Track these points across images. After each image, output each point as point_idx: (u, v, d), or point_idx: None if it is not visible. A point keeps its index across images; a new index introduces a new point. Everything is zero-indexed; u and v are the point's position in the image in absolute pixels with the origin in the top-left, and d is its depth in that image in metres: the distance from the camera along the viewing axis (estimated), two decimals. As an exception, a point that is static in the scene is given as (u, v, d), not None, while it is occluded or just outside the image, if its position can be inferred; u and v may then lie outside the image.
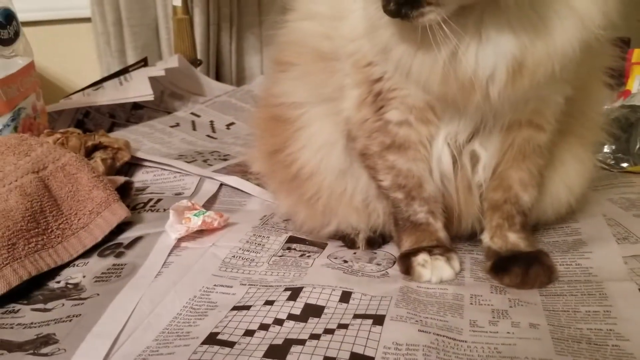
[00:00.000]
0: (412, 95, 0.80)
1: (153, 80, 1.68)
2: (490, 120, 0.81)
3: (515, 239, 0.87)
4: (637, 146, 1.29)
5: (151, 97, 1.63)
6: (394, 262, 0.91)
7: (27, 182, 0.94)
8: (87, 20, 2.02)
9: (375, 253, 0.95)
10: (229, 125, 1.67)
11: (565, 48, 0.69)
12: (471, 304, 0.78)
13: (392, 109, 0.83)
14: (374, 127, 0.85)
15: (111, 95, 1.64)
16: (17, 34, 1.24)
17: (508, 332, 0.71)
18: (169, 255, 0.92)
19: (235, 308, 0.78)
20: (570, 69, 0.72)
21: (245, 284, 0.85)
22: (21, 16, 1.29)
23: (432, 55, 0.71)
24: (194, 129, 1.62)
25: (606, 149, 1.30)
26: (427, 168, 0.85)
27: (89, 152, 1.25)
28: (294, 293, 0.80)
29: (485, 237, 0.89)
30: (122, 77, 1.71)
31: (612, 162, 1.29)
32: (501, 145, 0.84)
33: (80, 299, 0.81)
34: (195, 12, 1.99)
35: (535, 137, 0.84)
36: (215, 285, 0.85)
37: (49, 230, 0.93)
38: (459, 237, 0.94)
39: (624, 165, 1.28)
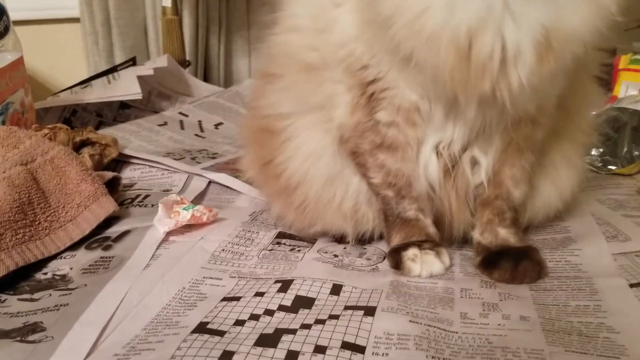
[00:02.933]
0: (400, 95, 0.80)
1: (141, 80, 1.67)
2: (494, 122, 0.80)
3: (505, 234, 0.87)
4: (625, 149, 1.30)
5: (139, 96, 1.62)
6: (384, 258, 0.91)
7: (15, 174, 0.93)
8: (75, 20, 2.01)
9: (365, 248, 0.95)
10: (217, 125, 1.66)
11: (582, 31, 0.67)
12: (461, 297, 0.78)
13: (381, 109, 0.82)
14: (366, 127, 0.84)
15: (99, 93, 1.63)
16: (7, 29, 1.23)
17: (499, 324, 0.71)
18: (157, 248, 0.92)
19: (225, 299, 0.77)
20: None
21: (234, 277, 0.84)
22: (9, 15, 1.28)
23: (452, 26, 0.67)
24: (182, 128, 1.62)
25: (594, 152, 1.31)
26: (416, 169, 0.85)
27: (77, 148, 1.24)
28: (285, 285, 0.80)
29: (476, 233, 0.89)
30: (110, 76, 1.71)
31: (600, 164, 1.30)
32: (501, 146, 0.84)
33: (68, 289, 0.80)
34: (184, 13, 1.99)
35: (533, 134, 0.84)
36: (204, 277, 0.84)
37: (36, 222, 0.92)
38: (450, 242, 0.93)
39: (612, 167, 1.29)
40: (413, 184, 0.86)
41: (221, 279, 0.83)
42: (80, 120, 1.64)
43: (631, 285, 0.78)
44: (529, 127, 0.83)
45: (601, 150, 1.30)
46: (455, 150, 0.83)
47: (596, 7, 0.67)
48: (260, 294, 0.77)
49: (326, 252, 0.93)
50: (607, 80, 1.48)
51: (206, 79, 2.10)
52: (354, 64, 0.82)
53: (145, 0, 2.01)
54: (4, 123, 1.20)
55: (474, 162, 0.86)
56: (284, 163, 0.93)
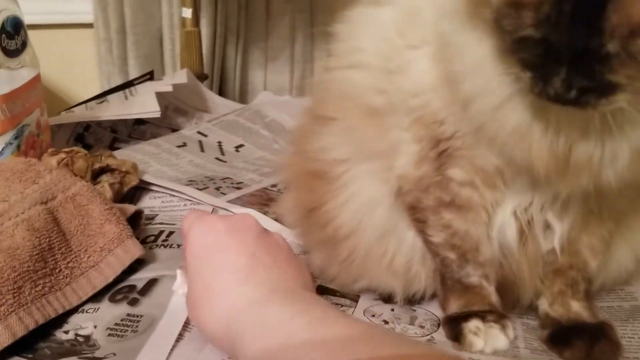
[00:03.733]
0: (482, 157, 0.72)
1: (158, 95, 1.58)
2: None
3: (578, 308, 0.79)
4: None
5: (158, 114, 1.53)
6: (438, 324, 0.83)
7: (35, 215, 0.84)
8: (88, 25, 1.91)
9: (415, 310, 0.87)
10: (237, 148, 1.57)
11: None
12: (534, 383, 0.71)
13: (456, 166, 0.74)
14: (432, 182, 0.76)
15: (115, 110, 1.54)
16: (24, 45, 1.14)
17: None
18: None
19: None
20: None
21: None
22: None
23: (552, 137, 0.62)
24: (202, 150, 1.53)
25: None
26: (486, 232, 0.77)
27: (96, 175, 1.15)
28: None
29: (544, 304, 0.81)
30: (127, 91, 1.61)
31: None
32: (580, 213, 0.76)
33: (95, 359, 0.72)
34: (202, 23, 1.90)
35: (616, 201, 0.76)
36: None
37: (57, 270, 0.83)
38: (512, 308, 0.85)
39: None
40: (481, 249, 0.78)
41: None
42: (93, 136, 1.55)
43: None
44: (613, 197, 0.75)
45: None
46: (534, 214, 0.75)
47: None
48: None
49: (374, 316, 0.84)
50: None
51: (221, 92, 2.01)
52: (428, 116, 0.73)
53: (162, 9, 1.92)
54: (19, 148, 1.11)
55: (547, 226, 0.77)
56: (333, 211, 0.84)
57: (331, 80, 0.84)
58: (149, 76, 1.73)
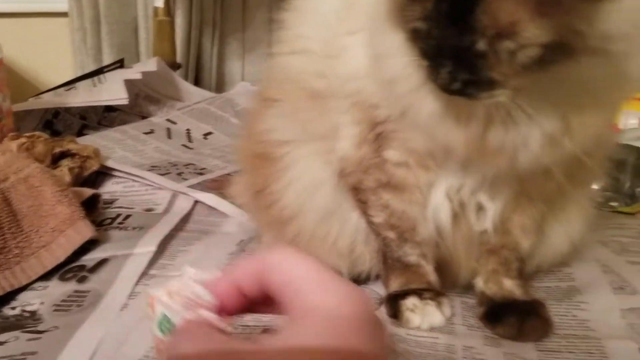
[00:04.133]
0: (414, 139, 0.74)
1: (128, 83, 1.60)
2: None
3: (510, 286, 0.81)
4: (627, 185, 1.25)
5: (126, 101, 1.55)
6: (381, 303, 0.85)
7: (-15, 195, 0.86)
8: (63, 14, 1.93)
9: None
10: (206, 135, 1.59)
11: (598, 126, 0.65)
12: (464, 357, 0.73)
13: (390, 148, 0.77)
14: (371, 164, 0.79)
15: (84, 96, 1.56)
16: (-15, 30, 1.16)
17: (506, 395, 0.65)
18: (136, 284, 0.85)
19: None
20: None
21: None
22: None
23: (464, 122, 0.65)
24: (169, 137, 1.55)
25: (594, 186, 1.25)
26: (422, 212, 0.80)
27: (56, 160, 1.17)
28: (273, 336, 0.73)
29: (479, 282, 0.83)
30: (96, 78, 1.63)
31: (600, 200, 1.24)
32: (510, 194, 0.78)
33: (37, 332, 0.74)
34: (177, 14, 1.92)
35: (545, 184, 0.78)
36: (187, 321, 0.77)
37: (6, 249, 0.85)
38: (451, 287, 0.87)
39: (614, 204, 1.23)
40: (418, 228, 0.80)
41: (205, 325, 0.77)
42: (62, 122, 1.57)
43: (642, 350, 0.73)
44: (539, 178, 0.77)
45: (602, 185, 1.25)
46: (464, 196, 0.77)
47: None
48: (247, 347, 0.71)
49: (319, 294, 0.86)
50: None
51: (197, 82, 2.03)
52: (364, 100, 0.76)
53: (137, -2, 1.93)
54: (-22, 131, 1.13)
55: (480, 208, 0.80)
56: (277, 193, 0.86)
57: (277, 66, 0.87)
58: (120, 64, 1.74)
